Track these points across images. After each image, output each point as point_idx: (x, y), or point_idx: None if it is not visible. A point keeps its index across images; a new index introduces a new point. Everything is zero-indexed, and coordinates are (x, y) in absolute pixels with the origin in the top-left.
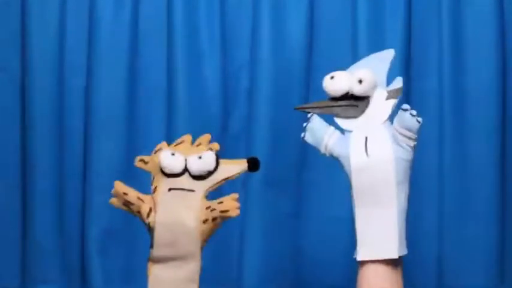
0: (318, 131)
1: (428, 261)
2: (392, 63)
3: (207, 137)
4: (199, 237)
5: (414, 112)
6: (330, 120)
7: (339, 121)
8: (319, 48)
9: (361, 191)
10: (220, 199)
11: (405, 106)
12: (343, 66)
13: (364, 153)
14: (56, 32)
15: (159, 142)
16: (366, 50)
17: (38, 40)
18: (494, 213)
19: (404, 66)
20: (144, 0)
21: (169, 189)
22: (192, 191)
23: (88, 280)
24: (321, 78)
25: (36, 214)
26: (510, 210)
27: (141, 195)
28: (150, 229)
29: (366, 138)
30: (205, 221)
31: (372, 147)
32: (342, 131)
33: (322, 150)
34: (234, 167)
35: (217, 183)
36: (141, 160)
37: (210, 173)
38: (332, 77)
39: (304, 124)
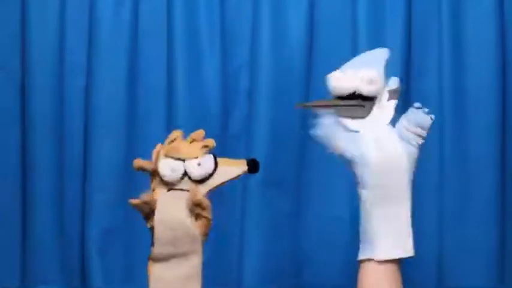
0: (329, 130)
1: (428, 261)
2: (389, 63)
3: (200, 133)
4: (199, 235)
5: (427, 110)
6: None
7: (344, 121)
8: (319, 48)
9: (377, 191)
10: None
11: (418, 104)
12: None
13: (380, 153)
14: (56, 32)
15: (159, 142)
16: (365, 50)
17: (38, 40)
18: (494, 213)
19: (405, 66)
20: (144, 0)
21: (169, 189)
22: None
23: (88, 280)
24: (321, 78)
25: (36, 214)
26: (510, 210)
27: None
28: (151, 228)
29: (377, 138)
30: (197, 219)
31: (386, 146)
32: (346, 130)
33: (333, 149)
34: (233, 170)
35: (216, 186)
36: (141, 168)
37: (210, 176)
38: (340, 76)
39: (315, 121)
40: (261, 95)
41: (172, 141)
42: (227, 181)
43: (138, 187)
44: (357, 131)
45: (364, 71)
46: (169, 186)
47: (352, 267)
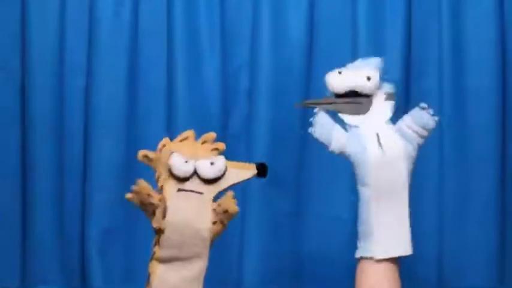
0: (326, 127)
1: (428, 261)
2: (384, 71)
3: (212, 135)
4: (209, 239)
5: (431, 111)
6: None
7: (344, 117)
8: (319, 48)
9: (377, 188)
10: (219, 201)
11: (423, 105)
12: (343, 66)
13: (380, 150)
14: (56, 32)
15: (159, 142)
16: (366, 50)
17: (38, 40)
18: (494, 213)
19: (405, 66)
20: (144, 0)
21: (179, 190)
22: (201, 193)
23: (88, 280)
24: (321, 78)
25: (36, 214)
26: (510, 210)
27: (161, 197)
28: (159, 229)
29: (378, 134)
30: (214, 223)
31: (386, 144)
32: (345, 128)
33: (331, 147)
34: (242, 173)
35: (225, 188)
36: (145, 156)
37: (220, 177)
38: (339, 73)
39: (312, 120)
40: (261, 95)
41: (183, 139)
42: (236, 183)
43: None
44: (357, 126)
45: (361, 70)
46: (178, 182)
47: (352, 267)
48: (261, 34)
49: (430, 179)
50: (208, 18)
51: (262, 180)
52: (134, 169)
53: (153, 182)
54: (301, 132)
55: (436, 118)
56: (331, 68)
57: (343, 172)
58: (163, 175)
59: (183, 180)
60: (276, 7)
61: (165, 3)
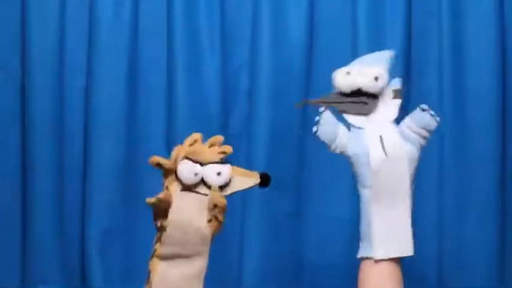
0: (331, 127)
1: (428, 261)
2: (393, 64)
3: (219, 138)
4: (209, 237)
5: (433, 112)
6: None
7: (348, 117)
8: (319, 48)
9: (379, 190)
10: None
11: (424, 106)
12: (343, 66)
13: (383, 152)
14: (56, 32)
15: (159, 142)
16: (366, 50)
17: (38, 40)
18: (494, 213)
19: (405, 66)
20: (144, 0)
21: (183, 189)
22: (206, 195)
23: (88, 280)
24: (321, 78)
25: (36, 214)
26: (510, 210)
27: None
28: (161, 227)
29: (381, 136)
30: (209, 221)
31: (389, 146)
32: (348, 127)
33: (333, 146)
34: (246, 181)
35: (228, 195)
36: (159, 164)
37: (225, 184)
38: (348, 73)
39: (317, 118)
40: (261, 95)
41: (191, 143)
42: (239, 191)
43: (139, 187)
44: (360, 128)
45: (369, 68)
46: (185, 187)
47: (352, 267)
48: (261, 34)
49: (430, 179)
50: (208, 18)
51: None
52: (134, 169)
53: (153, 182)
54: (301, 132)
55: (438, 119)
56: (331, 68)
57: (343, 172)
58: (170, 177)
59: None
60: (276, 7)
61: (165, 3)
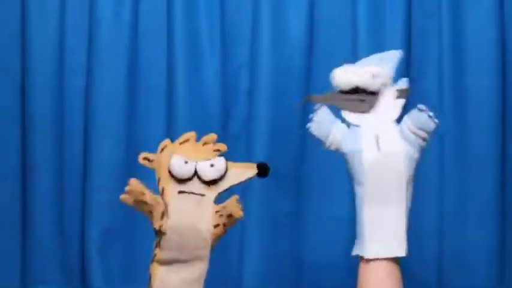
0: (325, 124)
1: (428, 261)
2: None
3: (213, 136)
4: (210, 241)
5: (431, 113)
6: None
7: (346, 115)
8: (319, 48)
9: (371, 188)
10: (223, 204)
11: (422, 107)
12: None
13: (377, 150)
14: (56, 32)
15: (159, 142)
16: (366, 50)
17: (38, 40)
18: (494, 213)
19: (405, 66)
20: (144, 0)
21: (179, 192)
22: (202, 195)
23: (88, 280)
24: (321, 78)
25: (36, 214)
26: (510, 210)
27: (156, 197)
28: (160, 231)
29: (377, 135)
30: (216, 226)
31: (384, 145)
32: (348, 125)
33: (328, 143)
34: (243, 173)
35: (226, 189)
36: (146, 158)
37: (220, 178)
38: (344, 70)
39: (311, 115)
40: (261, 95)
41: (183, 141)
42: (237, 184)
43: None
44: (357, 126)
45: (368, 67)
46: (179, 184)
47: (352, 267)
48: (261, 34)
49: (430, 179)
50: (208, 18)
51: (263, 180)
52: (134, 169)
53: (153, 181)
54: (301, 132)
55: (436, 120)
56: (331, 68)
57: (343, 172)
58: (163, 177)
59: (183, 181)
60: (276, 7)
61: (165, 3)
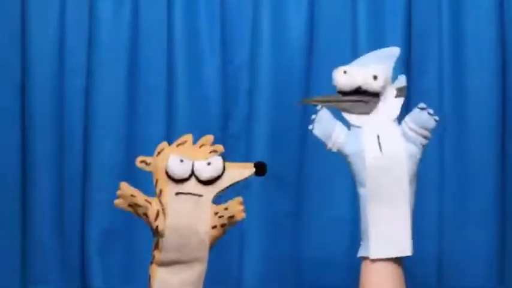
0: (327, 125)
1: (428, 261)
2: (398, 61)
3: (209, 137)
4: (209, 243)
5: (431, 111)
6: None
7: (347, 116)
8: (319, 48)
9: (375, 189)
10: (225, 204)
11: (422, 105)
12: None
13: (379, 151)
14: (56, 32)
15: (159, 142)
16: (366, 50)
17: (38, 40)
18: (494, 213)
19: (405, 65)
20: (144, 0)
21: (177, 193)
22: (200, 195)
23: (88, 280)
24: (321, 78)
25: (36, 214)
26: (510, 210)
27: (148, 198)
28: (158, 232)
29: (378, 135)
30: (214, 227)
31: (386, 145)
32: (348, 126)
33: (330, 145)
34: (241, 172)
35: (224, 189)
36: (143, 161)
37: (218, 178)
38: (345, 72)
39: (313, 116)
40: (261, 95)
41: (181, 143)
42: (235, 183)
43: (138, 187)
44: (359, 127)
45: (368, 67)
46: (177, 185)
47: (352, 267)
48: (261, 34)
49: (430, 179)
50: (208, 18)
51: (262, 180)
52: (134, 169)
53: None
54: (301, 132)
55: (437, 118)
56: (331, 68)
57: (344, 172)
58: (161, 179)
59: (180, 181)
60: (276, 7)
61: (165, 3)
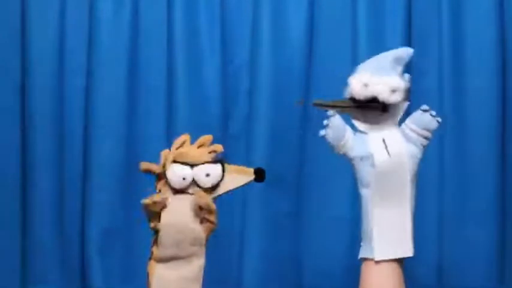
0: (338, 130)
1: (428, 262)
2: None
3: (208, 138)
4: (203, 238)
5: (434, 113)
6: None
7: (356, 122)
8: (319, 48)
9: (380, 190)
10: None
11: (425, 107)
12: (343, 66)
13: (387, 154)
14: (56, 32)
15: (159, 142)
16: (366, 50)
17: (38, 40)
18: (494, 213)
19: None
20: (144, 0)
21: (175, 193)
22: None
23: (88, 280)
24: (321, 78)
25: (36, 214)
26: (510, 210)
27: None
28: (156, 229)
29: (384, 139)
30: (201, 222)
31: (392, 147)
32: (355, 130)
33: (339, 149)
34: (240, 178)
35: (223, 193)
36: (148, 170)
37: (217, 184)
38: (362, 81)
39: (325, 122)
40: (261, 95)
41: (179, 145)
42: (234, 189)
43: (139, 187)
44: (365, 133)
45: (387, 79)
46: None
47: (352, 267)
48: (261, 34)
49: (430, 179)
50: (208, 18)
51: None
52: (134, 169)
53: (153, 182)
54: (301, 132)
55: (439, 119)
56: (331, 68)
57: (344, 172)
58: (161, 183)
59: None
60: (276, 7)
61: (165, 3)
